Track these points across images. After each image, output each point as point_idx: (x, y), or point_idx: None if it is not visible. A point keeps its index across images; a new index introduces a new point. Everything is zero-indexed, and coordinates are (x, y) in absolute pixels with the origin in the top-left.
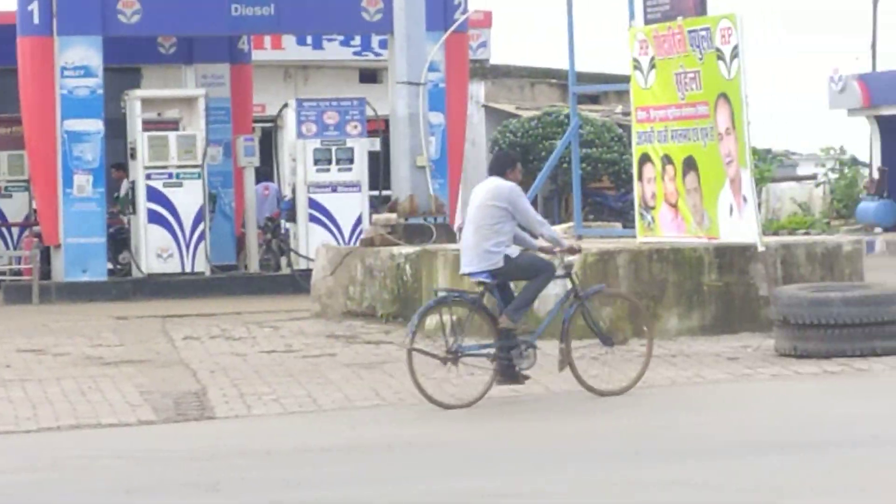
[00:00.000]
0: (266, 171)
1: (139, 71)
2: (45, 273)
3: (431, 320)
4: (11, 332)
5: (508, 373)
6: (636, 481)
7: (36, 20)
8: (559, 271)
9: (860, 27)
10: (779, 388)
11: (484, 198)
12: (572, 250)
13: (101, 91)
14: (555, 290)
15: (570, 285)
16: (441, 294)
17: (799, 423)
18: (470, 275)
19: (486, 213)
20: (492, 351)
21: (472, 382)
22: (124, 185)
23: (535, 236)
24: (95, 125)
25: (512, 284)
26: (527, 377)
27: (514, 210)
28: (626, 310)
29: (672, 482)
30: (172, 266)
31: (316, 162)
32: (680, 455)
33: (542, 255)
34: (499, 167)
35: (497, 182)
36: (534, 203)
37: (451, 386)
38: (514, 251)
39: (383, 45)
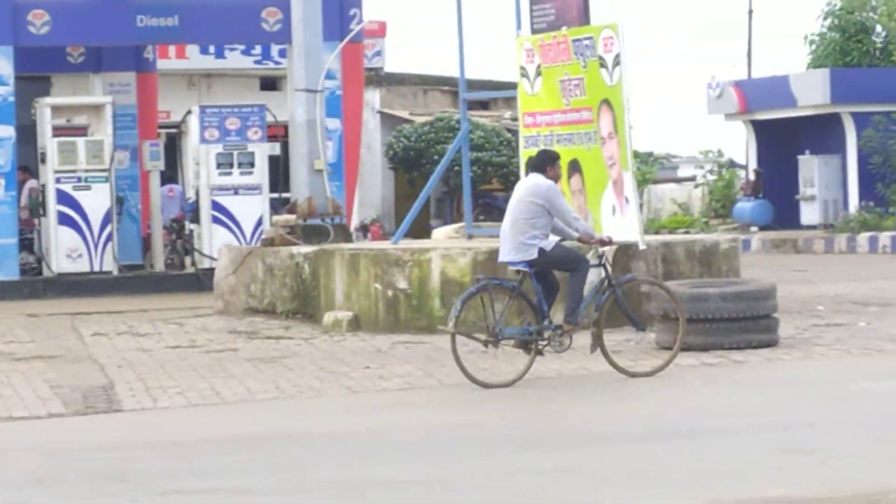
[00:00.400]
0: (171, 175)
1: (49, 79)
2: None
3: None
4: None
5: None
6: (522, 468)
7: None
8: (592, 261)
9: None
10: (659, 379)
11: (523, 194)
12: (603, 242)
13: (12, 98)
14: (588, 279)
15: (602, 274)
16: (482, 281)
17: (679, 413)
18: (508, 264)
19: (524, 209)
20: (530, 334)
21: (512, 363)
22: (26, 187)
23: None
24: (7, 131)
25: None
26: (577, 322)
27: (551, 207)
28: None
29: (554, 469)
30: (82, 266)
31: (218, 166)
32: (564, 444)
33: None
34: (540, 164)
35: (537, 179)
36: (426, 204)
37: (491, 367)
38: (548, 244)
39: (283, 54)
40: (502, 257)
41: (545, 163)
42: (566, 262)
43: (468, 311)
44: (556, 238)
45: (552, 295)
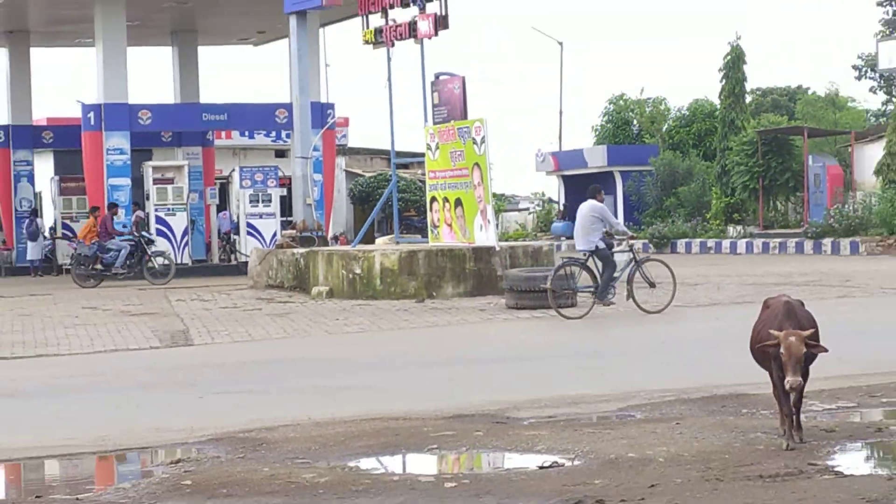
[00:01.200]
0: (223, 206)
1: (151, 151)
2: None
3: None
4: (78, 298)
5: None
6: (433, 376)
7: (92, 122)
8: (624, 247)
9: (553, 123)
10: (507, 326)
11: (587, 210)
12: (631, 237)
13: (129, 162)
14: (623, 258)
15: (631, 255)
16: (565, 259)
17: (517, 345)
18: (580, 249)
19: (587, 219)
20: (592, 290)
21: (583, 306)
22: (134, 214)
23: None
24: (126, 181)
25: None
26: (612, 302)
27: (603, 218)
28: (662, 268)
29: (445, 377)
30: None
31: (250, 201)
32: (444, 363)
33: (617, 240)
34: (593, 194)
35: (593, 203)
36: (372, 224)
37: (572, 307)
38: (600, 243)
39: (288, 135)
40: (578, 246)
41: (596, 193)
42: (605, 259)
43: (558, 278)
44: (601, 241)
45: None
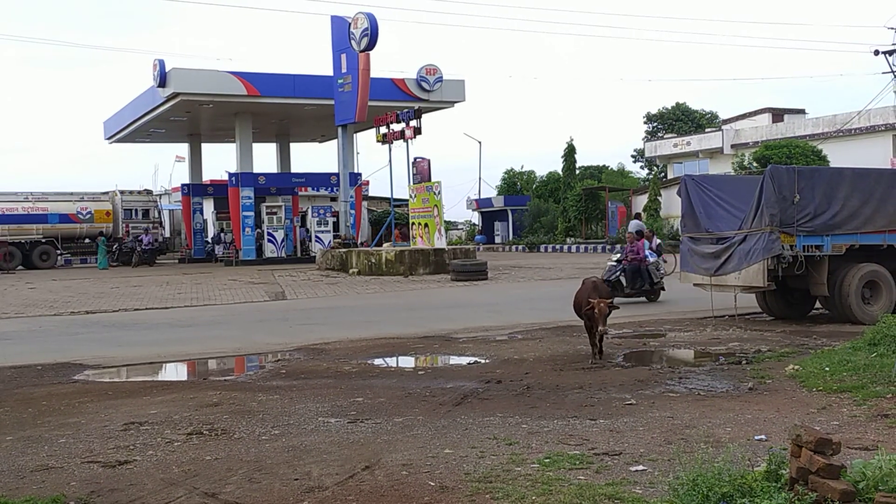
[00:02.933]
0: (302, 226)
1: (265, 197)
2: (236, 257)
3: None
4: (225, 275)
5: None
6: (410, 316)
7: (234, 182)
8: (655, 255)
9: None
10: (451, 289)
11: (633, 226)
12: (660, 250)
13: (252, 203)
14: (651, 259)
15: (657, 257)
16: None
17: (456, 299)
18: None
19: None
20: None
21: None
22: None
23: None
24: (251, 214)
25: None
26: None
27: (649, 243)
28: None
29: (414, 317)
30: (275, 254)
31: (317, 224)
32: (419, 308)
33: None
34: (637, 216)
35: (642, 240)
36: (380, 237)
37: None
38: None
39: (337, 188)
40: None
41: (642, 232)
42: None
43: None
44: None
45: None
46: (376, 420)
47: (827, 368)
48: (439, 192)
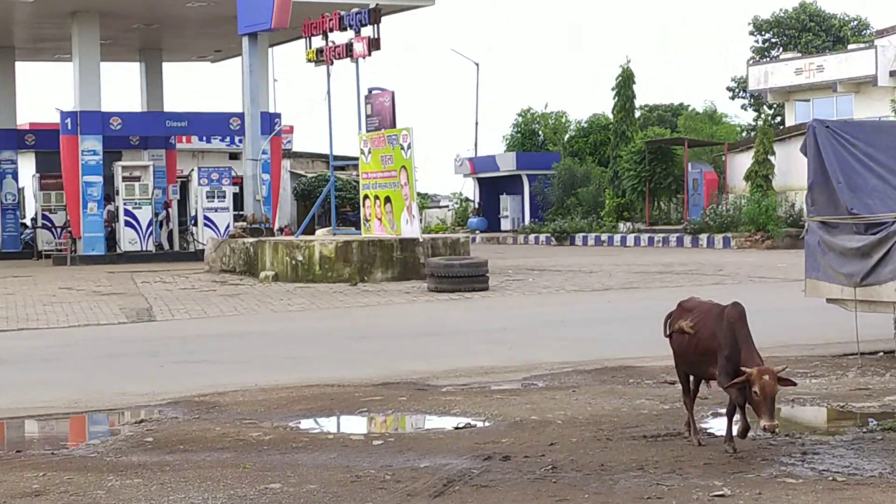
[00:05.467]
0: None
1: (120, 153)
2: (73, 250)
3: None
4: (56, 279)
5: None
6: (361, 349)
7: (69, 127)
8: None
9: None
10: (428, 306)
11: None
12: None
13: (101, 162)
14: None
15: None
16: None
17: (435, 322)
18: None
19: None
20: None
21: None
22: (106, 208)
23: None
24: (98, 179)
25: None
26: None
27: None
28: None
29: (372, 349)
30: (136, 247)
31: (207, 197)
32: (374, 337)
33: None
34: None
35: None
36: (313, 217)
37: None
38: None
39: (240, 140)
40: None
41: None
42: None
43: None
44: None
45: None
46: None
47: None
48: (410, 146)
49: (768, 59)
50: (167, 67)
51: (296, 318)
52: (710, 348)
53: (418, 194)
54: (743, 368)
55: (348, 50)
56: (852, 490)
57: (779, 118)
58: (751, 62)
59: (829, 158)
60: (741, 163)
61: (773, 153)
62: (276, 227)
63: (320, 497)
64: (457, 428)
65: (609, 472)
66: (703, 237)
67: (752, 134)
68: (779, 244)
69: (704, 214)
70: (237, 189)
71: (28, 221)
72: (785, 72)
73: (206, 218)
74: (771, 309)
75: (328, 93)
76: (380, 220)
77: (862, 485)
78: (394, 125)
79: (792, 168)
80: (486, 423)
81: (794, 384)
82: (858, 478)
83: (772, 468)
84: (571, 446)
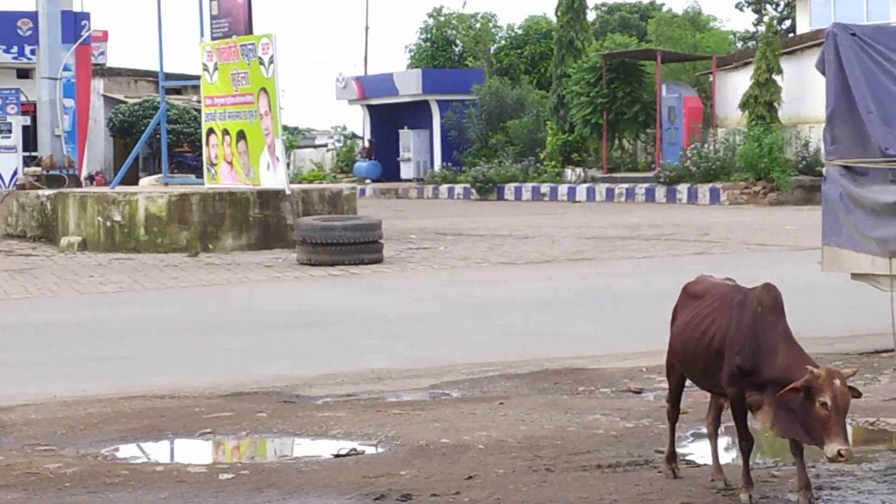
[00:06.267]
0: None
1: None
2: None
3: None
4: None
5: None
6: (200, 347)
7: None
8: None
9: (358, 42)
10: (298, 285)
11: None
12: None
13: None
14: None
15: None
16: None
17: (310, 308)
18: None
19: None
20: None
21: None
22: None
23: None
24: None
25: None
26: None
27: None
28: None
29: (223, 347)
30: None
31: None
32: (222, 329)
33: None
34: None
35: None
36: (136, 160)
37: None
38: None
39: (33, 51)
40: None
41: None
42: None
43: None
44: None
45: None
46: None
47: None
48: (272, 61)
49: None
50: None
51: (112, 302)
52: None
53: (285, 128)
54: (810, 369)
55: None
56: None
57: (788, 23)
58: None
59: (856, 78)
60: (736, 85)
61: (780, 72)
62: (84, 174)
63: None
64: (337, 455)
65: None
66: (683, 189)
67: (752, 45)
68: (787, 198)
69: (684, 157)
70: (28, 120)
71: None
72: None
73: None
74: None
75: None
76: (230, 164)
77: None
78: (250, 31)
79: (806, 92)
80: (379, 450)
81: (860, 395)
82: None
83: None
84: (497, 480)
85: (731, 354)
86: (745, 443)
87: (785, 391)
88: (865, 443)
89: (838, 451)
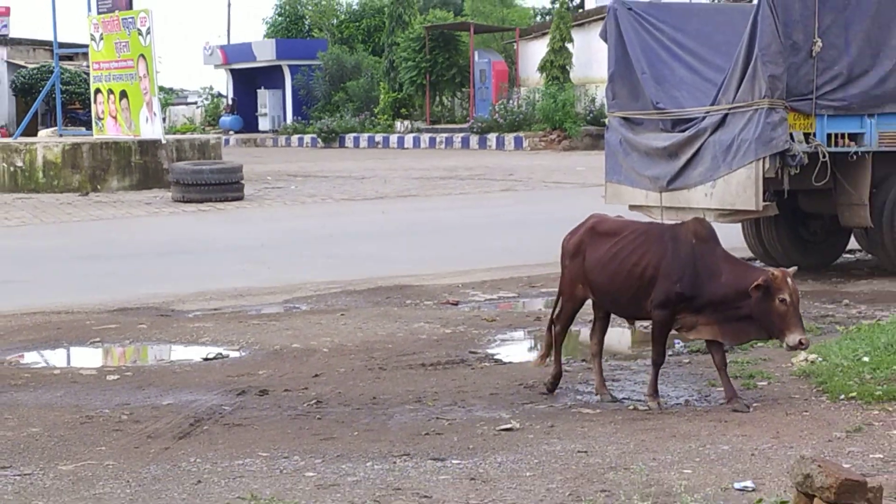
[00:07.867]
0: None
1: None
2: None
3: None
4: None
5: None
6: (89, 272)
7: None
8: None
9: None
10: (173, 219)
11: None
12: None
13: None
14: None
15: None
16: None
17: (183, 238)
18: None
19: None
20: None
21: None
22: None
23: None
24: None
25: None
26: None
27: None
28: None
29: (106, 272)
30: None
31: None
32: (108, 256)
33: None
34: None
35: None
36: (35, 116)
37: None
38: None
39: None
40: None
41: None
42: None
43: None
44: None
45: None
46: (23, 471)
47: (866, 359)
48: (149, 31)
49: None
50: None
51: (14, 234)
52: (657, 278)
53: (161, 88)
54: (769, 270)
55: None
56: (655, 420)
57: (579, 0)
58: None
59: (633, 45)
60: (535, 52)
61: (571, 40)
62: None
63: (44, 442)
64: (206, 359)
65: (382, 405)
66: (492, 137)
67: (548, 19)
68: (577, 145)
69: (493, 111)
70: None
71: None
72: None
73: None
74: (566, 218)
75: None
76: (115, 118)
77: (666, 414)
78: (130, 6)
79: (593, 58)
80: (241, 353)
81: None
82: (666, 409)
83: (566, 398)
84: (339, 377)
85: (669, 283)
86: (660, 358)
87: (751, 289)
88: (641, 343)
89: (799, 341)
